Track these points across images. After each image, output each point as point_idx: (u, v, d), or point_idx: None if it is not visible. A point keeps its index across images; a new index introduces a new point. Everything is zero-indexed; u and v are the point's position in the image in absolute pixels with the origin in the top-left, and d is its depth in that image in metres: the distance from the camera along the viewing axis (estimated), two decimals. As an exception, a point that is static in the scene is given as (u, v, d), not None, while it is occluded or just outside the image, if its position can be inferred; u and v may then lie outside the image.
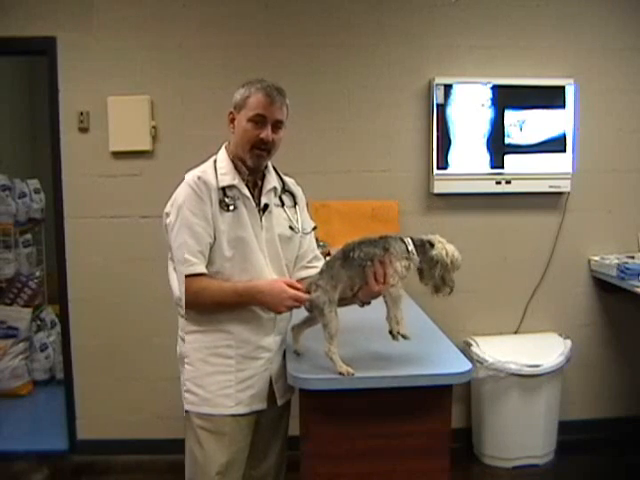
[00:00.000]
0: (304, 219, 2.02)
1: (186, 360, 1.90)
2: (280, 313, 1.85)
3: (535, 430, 3.15)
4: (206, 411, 1.87)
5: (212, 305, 1.83)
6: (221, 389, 1.86)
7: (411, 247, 1.78)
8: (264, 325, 1.89)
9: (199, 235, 1.79)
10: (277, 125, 1.86)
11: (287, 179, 2.03)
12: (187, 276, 1.79)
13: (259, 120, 1.82)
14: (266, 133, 1.82)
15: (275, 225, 1.91)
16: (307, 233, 2.02)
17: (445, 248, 1.77)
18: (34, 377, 4.33)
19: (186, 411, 1.92)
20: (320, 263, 1.98)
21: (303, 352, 1.94)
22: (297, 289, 1.78)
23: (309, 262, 2.03)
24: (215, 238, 1.81)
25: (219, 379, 1.86)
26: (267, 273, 1.87)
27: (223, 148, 1.94)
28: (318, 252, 2.10)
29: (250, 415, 1.91)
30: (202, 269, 1.79)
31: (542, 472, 3.15)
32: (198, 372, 1.87)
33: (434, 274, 1.77)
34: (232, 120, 1.89)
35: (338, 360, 1.75)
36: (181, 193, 1.83)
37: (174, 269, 1.87)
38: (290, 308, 1.82)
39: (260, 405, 1.92)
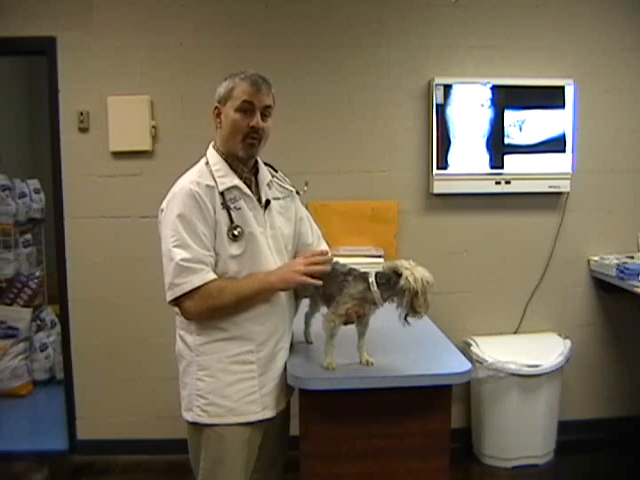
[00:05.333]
0: (298, 206, 2.03)
1: (202, 373, 1.81)
2: (292, 284, 1.82)
3: (535, 430, 3.15)
4: (234, 421, 1.79)
5: (233, 302, 1.77)
6: (246, 396, 1.81)
7: (374, 287, 1.75)
8: (279, 325, 1.88)
9: (205, 244, 1.75)
10: (266, 112, 1.82)
11: (279, 173, 2.01)
12: (200, 286, 1.72)
13: (247, 108, 1.79)
14: (256, 120, 1.79)
15: (276, 220, 1.91)
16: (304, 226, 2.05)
17: (413, 274, 1.70)
18: (34, 377, 4.34)
19: (204, 425, 1.81)
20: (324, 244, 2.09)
21: (313, 340, 2.00)
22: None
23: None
24: (216, 241, 1.78)
25: (243, 387, 1.81)
26: (275, 269, 1.85)
27: (211, 148, 1.89)
28: (319, 232, 2.11)
29: (277, 417, 1.90)
30: (213, 275, 1.76)
31: (542, 472, 3.15)
32: (221, 383, 1.80)
33: (402, 303, 1.72)
34: (218, 115, 1.85)
35: (330, 355, 1.80)
36: (181, 201, 1.75)
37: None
38: (305, 274, 1.77)
39: (282, 405, 1.92)
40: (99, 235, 3.25)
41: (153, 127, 3.21)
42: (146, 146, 3.20)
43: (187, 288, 1.72)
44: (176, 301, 1.76)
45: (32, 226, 4.86)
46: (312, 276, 1.79)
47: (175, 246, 1.73)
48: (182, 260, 1.72)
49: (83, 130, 3.21)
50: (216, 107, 1.86)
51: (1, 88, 5.18)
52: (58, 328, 4.28)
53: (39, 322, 4.54)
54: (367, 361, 1.84)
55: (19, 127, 5.54)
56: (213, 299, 1.75)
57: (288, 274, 1.80)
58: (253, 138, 1.81)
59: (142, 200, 3.20)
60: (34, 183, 4.89)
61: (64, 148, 3.22)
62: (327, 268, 1.81)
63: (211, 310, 1.77)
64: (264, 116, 1.82)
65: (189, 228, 1.73)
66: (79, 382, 3.32)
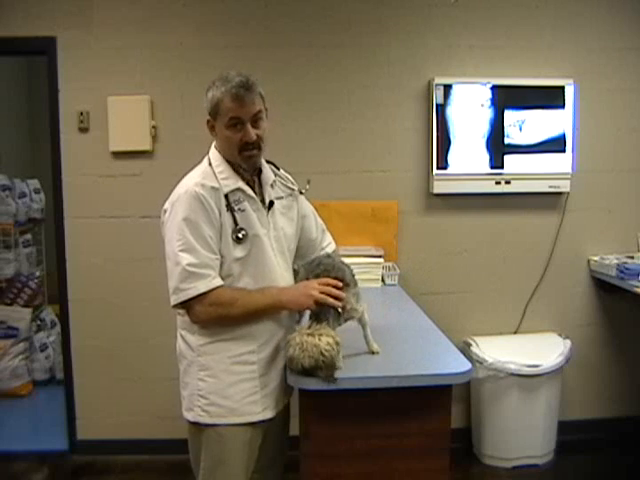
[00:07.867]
0: (300, 204, 2.02)
1: (204, 373, 1.81)
2: (304, 308, 1.83)
3: (535, 430, 3.15)
4: (235, 421, 1.80)
5: (242, 315, 1.78)
6: (247, 396, 1.81)
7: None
8: (281, 325, 1.88)
9: (212, 247, 1.75)
10: (256, 118, 1.78)
11: (281, 172, 2.01)
12: (208, 292, 1.72)
13: (236, 122, 1.76)
14: (248, 135, 1.77)
15: (279, 221, 1.90)
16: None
17: (299, 338, 1.70)
18: (34, 377, 4.33)
19: (205, 425, 1.82)
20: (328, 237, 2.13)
21: None
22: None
23: (322, 245, 2.07)
24: (221, 243, 1.77)
25: (244, 387, 1.81)
26: (278, 270, 1.86)
27: (213, 149, 1.88)
28: (323, 227, 2.12)
29: (277, 417, 1.90)
30: (219, 281, 1.75)
31: (542, 472, 3.16)
32: (222, 383, 1.80)
33: None
34: (212, 128, 1.83)
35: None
36: (186, 203, 1.74)
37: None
38: (317, 300, 1.75)
39: (282, 404, 1.92)
40: (99, 235, 3.25)
41: (153, 127, 3.21)
42: (146, 146, 3.20)
43: (192, 294, 1.72)
44: (184, 304, 1.75)
45: (32, 226, 4.87)
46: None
47: (181, 250, 1.72)
48: (188, 265, 1.71)
49: (83, 130, 3.21)
50: (208, 120, 1.83)
51: (1, 88, 5.18)
52: (58, 328, 4.28)
53: (39, 322, 4.54)
54: (372, 350, 1.85)
55: (19, 127, 5.54)
56: (224, 308, 1.75)
57: (301, 297, 1.78)
58: (250, 149, 1.79)
59: (142, 200, 3.20)
60: (34, 183, 4.89)
61: (64, 148, 3.22)
62: (339, 301, 1.79)
63: (220, 318, 1.77)
64: (256, 122, 1.79)
65: (195, 231, 1.73)
66: (79, 382, 3.32)
